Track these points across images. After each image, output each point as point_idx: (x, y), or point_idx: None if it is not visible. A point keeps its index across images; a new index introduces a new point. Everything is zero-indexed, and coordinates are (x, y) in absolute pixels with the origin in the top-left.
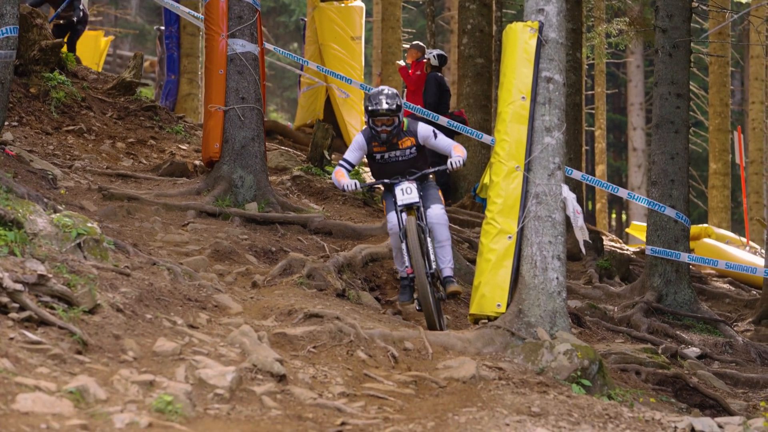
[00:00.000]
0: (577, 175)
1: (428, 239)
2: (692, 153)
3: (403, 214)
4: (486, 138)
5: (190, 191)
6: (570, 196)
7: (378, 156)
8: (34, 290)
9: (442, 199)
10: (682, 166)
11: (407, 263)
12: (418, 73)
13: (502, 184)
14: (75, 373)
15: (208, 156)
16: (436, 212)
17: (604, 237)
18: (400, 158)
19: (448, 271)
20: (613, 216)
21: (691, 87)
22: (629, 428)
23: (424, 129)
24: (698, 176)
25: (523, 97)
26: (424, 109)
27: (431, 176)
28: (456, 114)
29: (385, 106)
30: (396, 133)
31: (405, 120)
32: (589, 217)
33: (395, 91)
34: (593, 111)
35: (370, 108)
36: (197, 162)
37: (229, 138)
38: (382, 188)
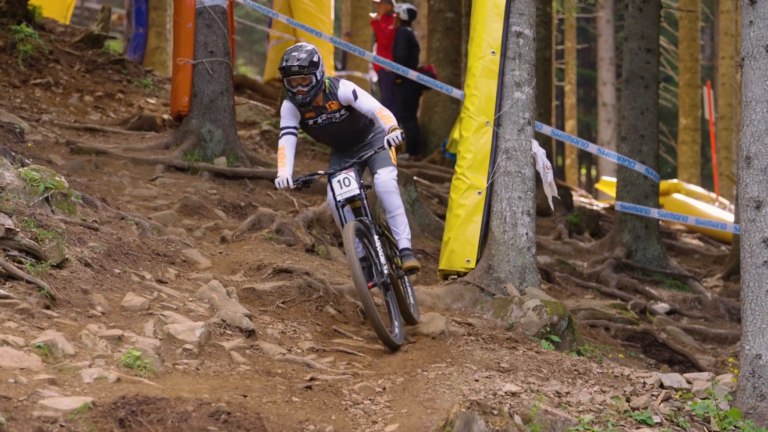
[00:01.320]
0: (546, 130)
1: (376, 238)
2: (662, 108)
3: (346, 210)
4: (456, 93)
5: (159, 145)
6: (540, 152)
7: (311, 122)
8: (2, 244)
9: (394, 157)
10: (652, 122)
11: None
12: (391, 27)
13: (472, 139)
14: (43, 328)
15: (176, 110)
16: (383, 179)
17: (573, 192)
18: (333, 120)
19: (404, 242)
20: (583, 171)
21: (661, 42)
22: (598, 384)
23: (344, 91)
24: (668, 131)
25: (493, 52)
26: (394, 63)
27: (383, 137)
28: (425, 69)
29: (295, 63)
30: (315, 94)
31: (327, 80)
32: (559, 173)
33: (313, 47)
34: (563, 66)
35: (280, 66)
36: (166, 116)
37: (198, 92)
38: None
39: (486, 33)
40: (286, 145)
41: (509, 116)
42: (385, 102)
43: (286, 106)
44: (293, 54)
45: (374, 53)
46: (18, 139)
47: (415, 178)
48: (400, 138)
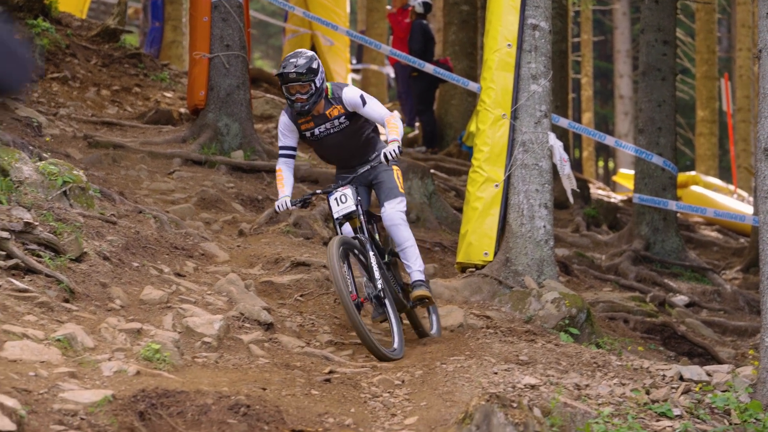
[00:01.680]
0: (563, 122)
1: (371, 254)
2: (679, 100)
3: (345, 226)
4: (472, 85)
5: (176, 139)
6: (557, 144)
7: (308, 134)
8: (21, 238)
9: (399, 179)
10: (669, 114)
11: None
12: (407, 20)
13: (489, 132)
14: (63, 321)
15: (193, 104)
16: (388, 213)
17: (591, 185)
18: (331, 131)
19: (416, 275)
20: (600, 164)
21: (677, 34)
22: (617, 376)
23: (350, 95)
24: (685, 124)
25: (509, 45)
26: (410, 56)
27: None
28: (441, 62)
29: (293, 69)
30: (315, 102)
31: (329, 85)
32: (576, 165)
33: (312, 53)
34: (579, 58)
35: (277, 72)
36: (182, 110)
37: (215, 86)
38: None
39: (502, 26)
40: (284, 168)
41: (526, 109)
42: (401, 96)
43: (284, 122)
44: (291, 60)
45: (390, 46)
46: (36, 133)
47: (432, 171)
48: (396, 152)
